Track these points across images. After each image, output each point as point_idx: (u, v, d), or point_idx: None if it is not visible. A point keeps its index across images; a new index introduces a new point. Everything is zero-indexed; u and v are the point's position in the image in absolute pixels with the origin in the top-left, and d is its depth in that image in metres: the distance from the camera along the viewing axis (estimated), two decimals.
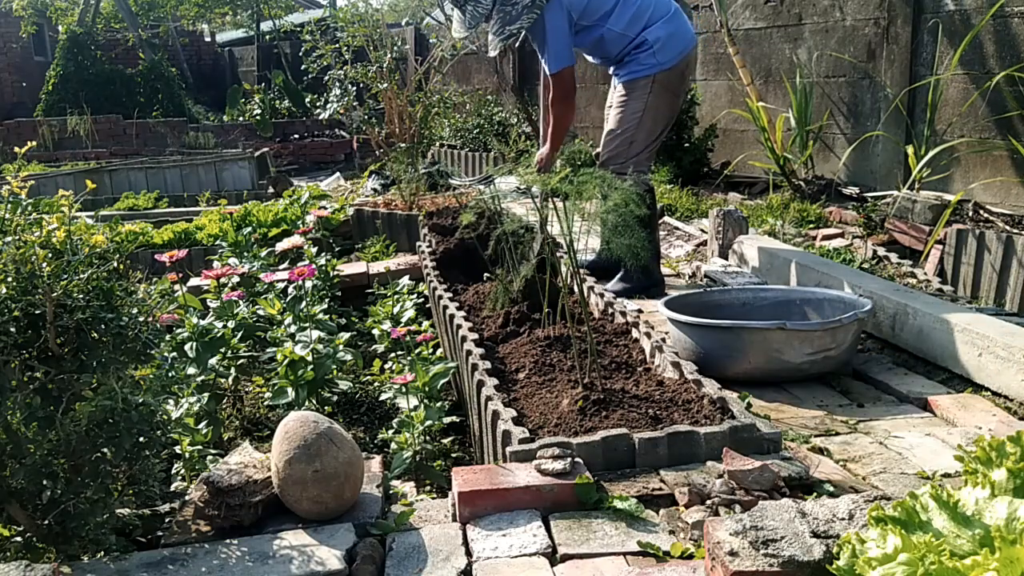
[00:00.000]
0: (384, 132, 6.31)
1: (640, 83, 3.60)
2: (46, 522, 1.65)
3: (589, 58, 3.84)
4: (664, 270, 3.99)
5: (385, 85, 6.05)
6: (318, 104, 12.00)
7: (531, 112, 8.07)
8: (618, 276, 3.69)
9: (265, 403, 2.82)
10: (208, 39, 19.71)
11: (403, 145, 6.01)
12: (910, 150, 4.60)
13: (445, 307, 2.89)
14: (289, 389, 2.59)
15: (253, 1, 16.82)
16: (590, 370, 2.21)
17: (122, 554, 1.66)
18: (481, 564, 1.58)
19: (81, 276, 1.62)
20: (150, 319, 1.74)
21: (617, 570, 1.54)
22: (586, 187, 2.23)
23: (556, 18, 3.49)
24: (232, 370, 2.78)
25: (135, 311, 1.70)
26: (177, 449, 2.24)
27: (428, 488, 2.32)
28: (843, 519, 1.39)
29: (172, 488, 2.21)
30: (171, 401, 2.39)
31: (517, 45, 3.85)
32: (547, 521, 1.70)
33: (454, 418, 2.61)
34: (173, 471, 2.30)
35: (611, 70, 3.79)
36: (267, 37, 16.92)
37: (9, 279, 1.57)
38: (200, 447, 2.28)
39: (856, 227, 4.53)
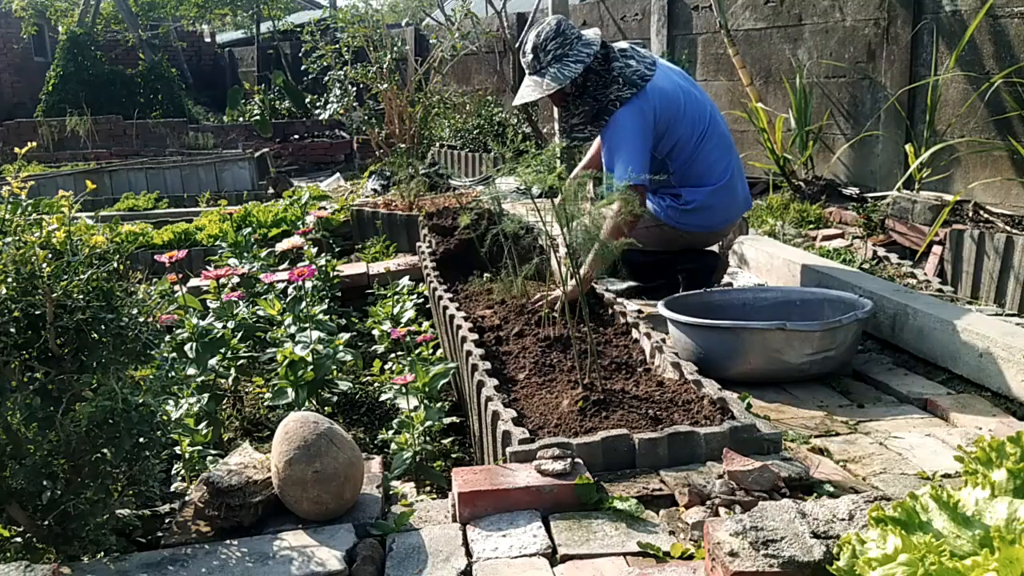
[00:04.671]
0: (384, 133, 6.31)
1: (649, 210, 3.28)
2: (46, 523, 1.65)
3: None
4: None
5: (385, 85, 6.05)
6: (318, 104, 12.01)
7: (531, 113, 8.07)
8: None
9: (265, 404, 2.82)
10: (208, 39, 19.72)
11: (403, 146, 6.01)
12: (910, 150, 4.60)
13: (445, 307, 2.89)
14: (289, 390, 2.59)
15: (253, 1, 16.83)
16: (590, 371, 2.21)
17: (122, 555, 1.66)
18: (481, 565, 1.58)
19: (81, 277, 1.62)
20: (150, 319, 1.74)
21: (617, 571, 1.54)
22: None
23: (634, 118, 3.08)
24: (232, 371, 2.78)
25: (135, 311, 1.70)
26: (177, 450, 2.24)
27: (428, 489, 2.31)
28: (843, 519, 1.39)
29: (172, 489, 2.21)
30: (171, 402, 2.38)
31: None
32: (547, 521, 1.70)
33: (454, 418, 2.61)
34: (173, 472, 2.30)
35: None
36: (267, 37, 16.93)
37: (9, 279, 1.57)
38: (200, 448, 2.28)
39: (856, 227, 4.53)
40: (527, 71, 3.22)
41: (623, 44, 3.33)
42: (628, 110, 3.10)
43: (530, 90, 3.18)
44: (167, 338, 2.62)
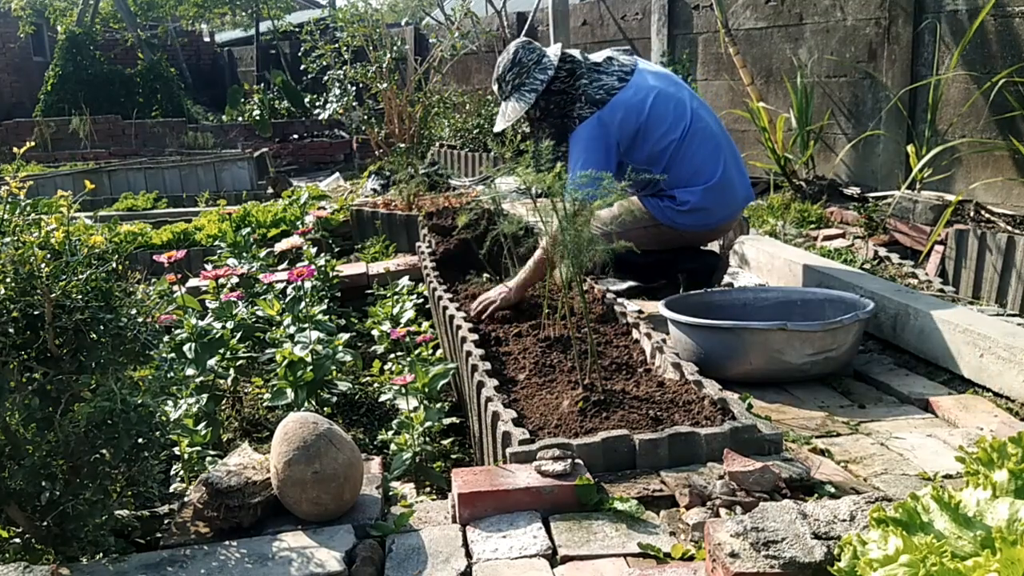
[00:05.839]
0: (384, 132, 6.31)
1: (647, 212, 3.27)
2: (45, 523, 1.65)
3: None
4: None
5: (385, 85, 6.05)
6: (317, 104, 11.99)
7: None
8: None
9: (264, 404, 2.81)
10: (207, 39, 19.72)
11: (403, 145, 6.01)
12: (911, 150, 4.59)
13: (445, 308, 2.89)
14: (288, 390, 2.58)
15: (252, 1, 16.82)
16: (590, 371, 2.20)
17: (121, 555, 1.66)
18: (481, 566, 1.58)
19: (80, 277, 1.62)
20: (149, 320, 1.73)
21: (618, 571, 1.53)
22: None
23: (592, 133, 3.09)
24: (231, 371, 2.77)
25: (134, 312, 1.70)
26: (176, 450, 2.23)
27: (428, 489, 2.31)
28: (844, 520, 1.39)
29: (171, 489, 2.21)
30: (170, 402, 2.38)
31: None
32: (547, 522, 1.70)
33: (454, 419, 2.61)
34: (172, 472, 2.29)
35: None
36: (266, 37, 16.92)
37: (8, 280, 1.57)
38: (199, 448, 2.27)
39: (857, 227, 4.53)
40: (500, 99, 3.30)
41: (602, 55, 3.31)
42: (586, 126, 3.13)
43: (501, 118, 3.29)
44: (166, 338, 2.62)
